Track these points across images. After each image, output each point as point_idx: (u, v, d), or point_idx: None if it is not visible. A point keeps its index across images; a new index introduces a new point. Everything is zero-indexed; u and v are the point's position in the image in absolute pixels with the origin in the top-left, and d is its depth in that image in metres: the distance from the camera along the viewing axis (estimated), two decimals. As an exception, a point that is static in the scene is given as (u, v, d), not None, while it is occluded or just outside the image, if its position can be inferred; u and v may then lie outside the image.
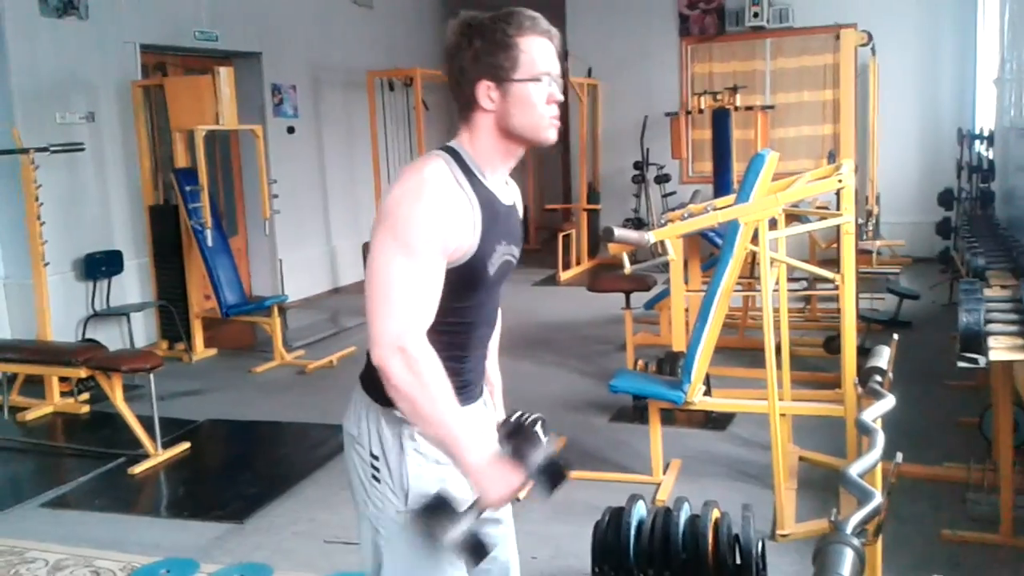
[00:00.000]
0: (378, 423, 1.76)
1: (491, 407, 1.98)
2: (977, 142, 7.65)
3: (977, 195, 7.31)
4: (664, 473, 4.14)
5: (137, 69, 7.07)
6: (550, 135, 1.75)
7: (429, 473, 1.75)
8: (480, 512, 1.66)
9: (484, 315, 1.84)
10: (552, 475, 1.66)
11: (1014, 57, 6.62)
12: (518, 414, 1.93)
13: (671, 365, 4.61)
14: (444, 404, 1.62)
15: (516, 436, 1.75)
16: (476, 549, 1.64)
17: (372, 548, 1.81)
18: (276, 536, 3.76)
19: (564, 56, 10.90)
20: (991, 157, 7.33)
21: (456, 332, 1.78)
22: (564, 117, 13.02)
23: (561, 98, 1.76)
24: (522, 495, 1.68)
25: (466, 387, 1.84)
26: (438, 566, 1.75)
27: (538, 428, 1.93)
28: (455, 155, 1.73)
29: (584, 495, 3.91)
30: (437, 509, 1.65)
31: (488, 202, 1.73)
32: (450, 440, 1.63)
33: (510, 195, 1.84)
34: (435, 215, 1.63)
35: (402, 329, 1.61)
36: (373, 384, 1.71)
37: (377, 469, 1.77)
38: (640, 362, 5.33)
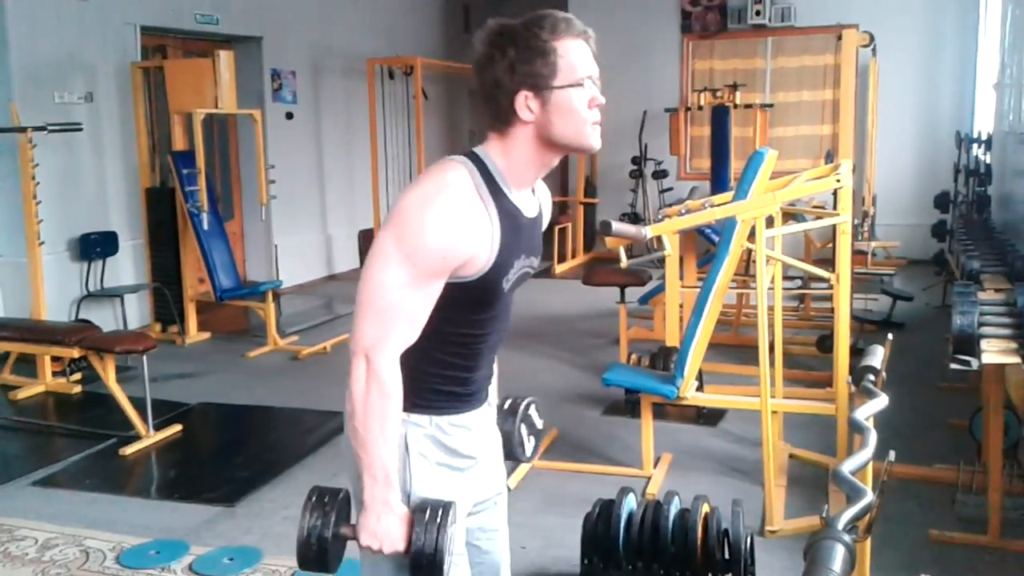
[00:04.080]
0: None
1: (492, 405, 1.94)
2: (975, 146, 7.67)
3: (973, 199, 7.32)
4: (655, 467, 4.15)
5: (137, 51, 7.05)
6: (594, 141, 1.66)
7: (432, 476, 1.72)
8: (347, 537, 1.65)
9: (497, 325, 1.77)
10: None
11: (1015, 62, 6.63)
12: (511, 400, 1.93)
13: (664, 360, 4.62)
14: (380, 431, 1.59)
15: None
16: (316, 560, 1.64)
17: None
18: (266, 520, 3.77)
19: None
20: (988, 161, 7.34)
21: (468, 345, 1.72)
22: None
23: (603, 100, 1.66)
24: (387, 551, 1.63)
25: (474, 395, 1.79)
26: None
27: (532, 411, 1.93)
28: (480, 165, 1.63)
29: (575, 487, 3.94)
30: (328, 504, 1.65)
31: (510, 216, 1.64)
32: (366, 464, 1.60)
33: (534, 206, 1.76)
34: (445, 229, 1.54)
35: (375, 340, 1.57)
36: None
37: None
38: (633, 356, 5.34)
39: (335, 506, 1.65)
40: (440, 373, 1.70)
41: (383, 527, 1.60)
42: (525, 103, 1.61)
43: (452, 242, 1.55)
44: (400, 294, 1.56)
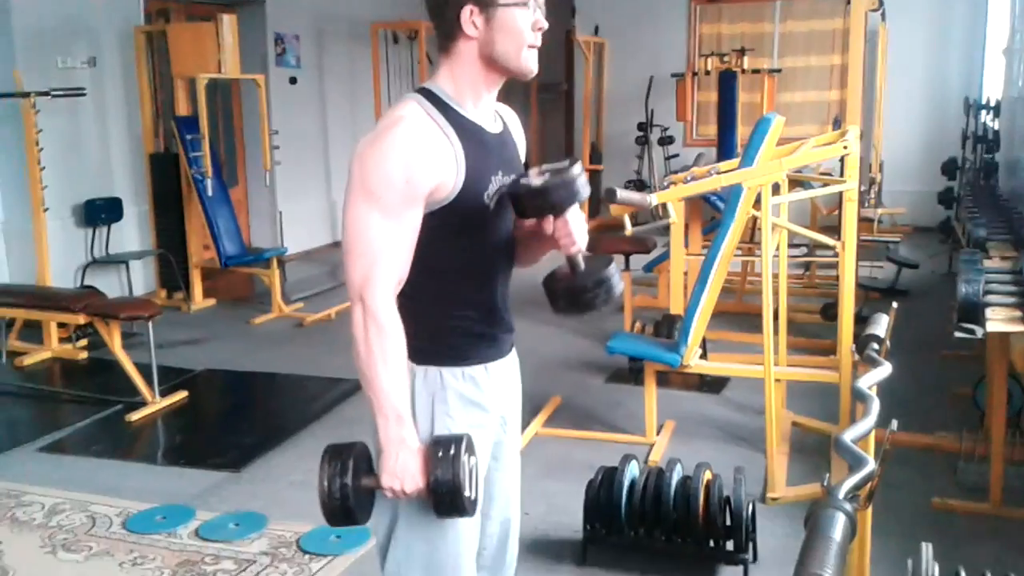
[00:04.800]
0: (412, 380, 1.72)
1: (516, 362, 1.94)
2: (983, 112, 7.61)
3: (981, 166, 7.29)
4: (658, 434, 4.17)
5: (140, 14, 7.00)
6: (531, 65, 1.71)
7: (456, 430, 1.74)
8: (375, 486, 1.66)
9: (497, 254, 1.80)
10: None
11: (1025, 27, 6.56)
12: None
13: (668, 328, 4.63)
14: (384, 369, 1.63)
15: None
16: (341, 511, 1.65)
17: (389, 503, 1.75)
18: (272, 486, 3.80)
19: (572, 11, 10.78)
20: (997, 128, 7.29)
21: (471, 278, 1.76)
22: (569, 76, 12.64)
23: (546, 25, 1.71)
24: (409, 489, 1.65)
25: (495, 341, 1.83)
26: (452, 526, 1.74)
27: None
28: (428, 93, 1.70)
29: (578, 454, 3.95)
30: (345, 456, 1.66)
31: (470, 132, 1.69)
32: (377, 406, 1.64)
33: (498, 124, 1.80)
34: (402, 154, 1.60)
35: (364, 279, 1.62)
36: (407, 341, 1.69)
37: None
38: (638, 324, 5.35)
39: (351, 455, 1.67)
40: (458, 313, 1.75)
41: (401, 464, 1.64)
42: (470, 18, 1.66)
43: (412, 165, 1.60)
44: (377, 231, 1.62)
